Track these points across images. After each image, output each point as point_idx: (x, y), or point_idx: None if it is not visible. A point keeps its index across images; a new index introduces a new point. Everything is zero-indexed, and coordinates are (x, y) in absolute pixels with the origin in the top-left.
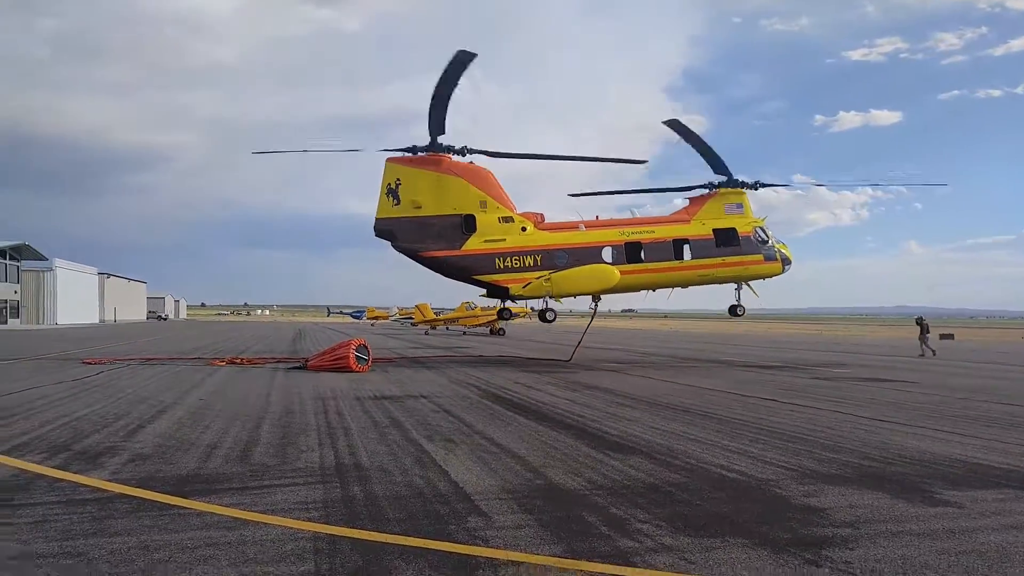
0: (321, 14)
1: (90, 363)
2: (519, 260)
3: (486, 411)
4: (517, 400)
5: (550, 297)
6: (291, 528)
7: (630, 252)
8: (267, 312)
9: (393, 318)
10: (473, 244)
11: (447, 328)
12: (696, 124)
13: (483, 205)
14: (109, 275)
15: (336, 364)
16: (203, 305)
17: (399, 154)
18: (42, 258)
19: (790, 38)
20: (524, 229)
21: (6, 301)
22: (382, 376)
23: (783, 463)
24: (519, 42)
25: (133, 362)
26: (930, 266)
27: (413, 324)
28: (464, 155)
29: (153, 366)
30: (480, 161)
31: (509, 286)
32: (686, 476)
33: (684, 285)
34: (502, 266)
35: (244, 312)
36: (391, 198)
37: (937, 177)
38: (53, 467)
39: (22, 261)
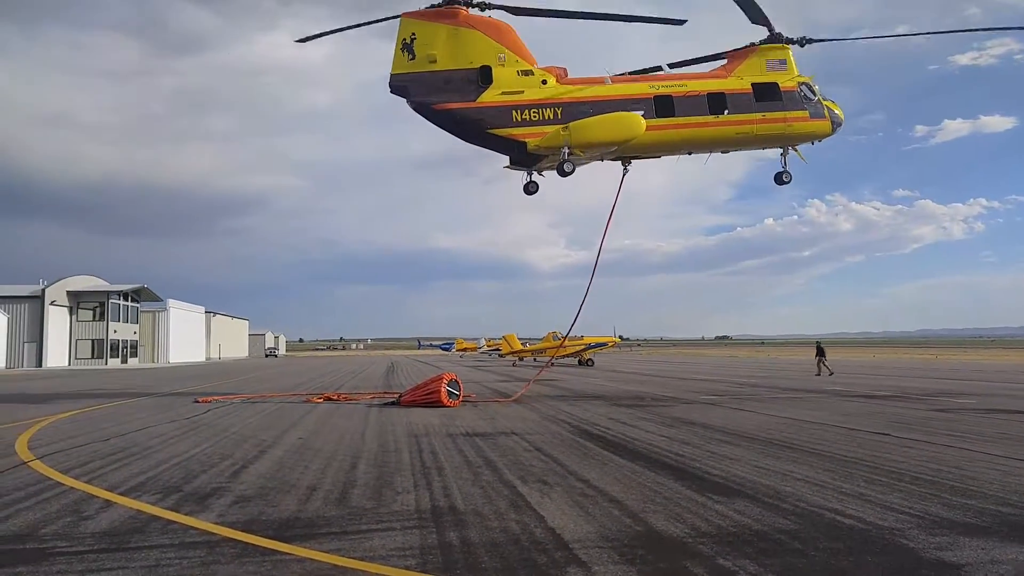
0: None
1: (200, 402)
2: (538, 113)
3: (579, 449)
4: (611, 437)
5: (568, 149)
6: None
7: (660, 106)
8: (361, 346)
9: (481, 350)
10: (489, 96)
11: (535, 359)
12: None
13: (501, 59)
14: (215, 313)
15: (428, 399)
16: (301, 340)
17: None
18: (158, 299)
19: (886, 48)
20: (544, 82)
21: (127, 341)
22: (472, 411)
23: (906, 508)
24: None
25: (237, 400)
26: None
27: (500, 355)
28: (483, 10)
29: (255, 403)
30: (499, 17)
31: (527, 140)
32: (796, 522)
33: (721, 145)
34: (519, 119)
35: (340, 347)
36: (406, 53)
37: None
38: (166, 508)
39: (141, 302)
